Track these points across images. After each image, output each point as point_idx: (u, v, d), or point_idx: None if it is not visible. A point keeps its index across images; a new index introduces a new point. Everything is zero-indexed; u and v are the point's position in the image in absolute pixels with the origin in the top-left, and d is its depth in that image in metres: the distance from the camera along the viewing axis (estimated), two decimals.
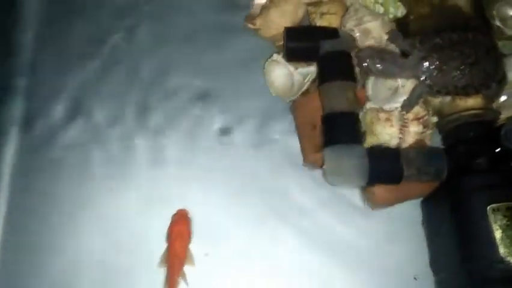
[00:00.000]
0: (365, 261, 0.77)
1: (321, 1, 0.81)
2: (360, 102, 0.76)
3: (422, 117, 0.74)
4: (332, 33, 0.77)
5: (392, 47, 0.76)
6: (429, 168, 0.71)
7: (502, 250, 0.63)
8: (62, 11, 0.90)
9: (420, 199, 0.76)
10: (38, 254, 0.78)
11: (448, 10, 0.75)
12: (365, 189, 0.77)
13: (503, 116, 0.74)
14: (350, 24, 0.77)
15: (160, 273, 0.75)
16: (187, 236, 0.76)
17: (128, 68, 0.87)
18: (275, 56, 0.81)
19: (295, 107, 0.81)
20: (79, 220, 0.79)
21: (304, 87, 0.80)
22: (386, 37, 0.76)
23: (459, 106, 0.73)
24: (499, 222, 0.64)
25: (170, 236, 0.76)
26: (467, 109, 0.72)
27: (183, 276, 0.75)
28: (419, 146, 0.74)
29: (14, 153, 0.83)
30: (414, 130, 0.74)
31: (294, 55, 0.78)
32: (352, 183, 0.74)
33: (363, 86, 0.77)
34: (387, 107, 0.75)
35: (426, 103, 0.75)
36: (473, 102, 0.73)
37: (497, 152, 0.69)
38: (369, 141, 0.75)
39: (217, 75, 0.85)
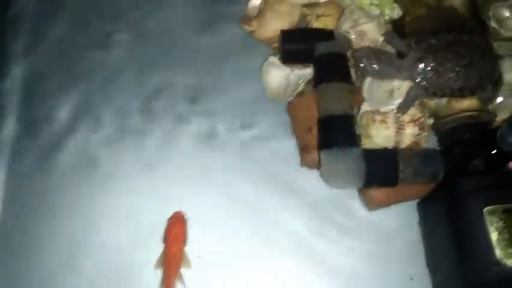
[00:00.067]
0: (360, 262, 0.77)
1: (316, 3, 0.81)
2: (356, 104, 0.76)
3: (418, 119, 0.75)
4: (327, 35, 0.76)
5: (389, 48, 0.76)
6: (425, 170, 0.71)
7: (498, 252, 0.63)
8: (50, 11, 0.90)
9: (417, 200, 0.76)
10: (34, 255, 0.78)
11: (443, 11, 0.75)
12: (362, 191, 0.77)
13: (499, 118, 0.74)
14: (345, 26, 0.77)
15: (157, 275, 0.75)
16: (183, 238, 0.76)
17: (110, 71, 0.86)
18: (271, 58, 0.81)
19: (291, 108, 0.81)
20: (73, 223, 0.79)
21: (300, 89, 0.80)
22: (381, 39, 0.76)
23: (455, 108, 0.73)
24: (495, 225, 0.64)
25: (167, 238, 0.76)
26: (463, 111, 0.72)
27: (180, 278, 0.74)
28: (415, 148, 0.74)
29: None
30: (410, 132, 0.74)
31: (290, 57, 0.78)
32: (349, 185, 0.74)
33: (359, 88, 0.77)
34: (383, 109, 0.75)
35: (422, 105, 0.75)
36: (468, 104, 0.73)
37: (493, 153, 0.69)
38: (365, 143, 0.75)
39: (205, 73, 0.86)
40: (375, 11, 0.79)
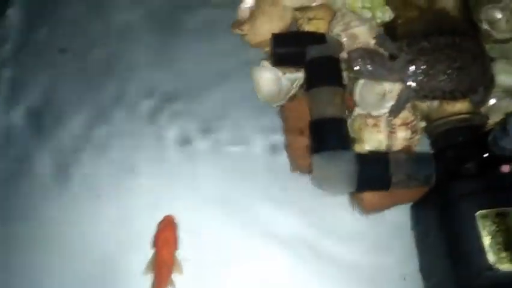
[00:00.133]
0: (354, 264, 0.76)
1: (308, 6, 0.81)
2: (348, 107, 0.76)
3: (410, 122, 0.74)
4: (319, 38, 0.76)
5: (381, 50, 0.75)
6: (418, 175, 0.71)
7: (491, 257, 0.62)
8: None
9: (410, 204, 0.76)
10: (20, 260, 0.77)
11: (435, 14, 0.75)
12: (354, 195, 0.77)
13: (492, 120, 0.74)
14: (337, 29, 0.77)
15: (148, 281, 0.74)
16: (174, 242, 0.75)
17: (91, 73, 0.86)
18: (264, 63, 0.80)
19: (283, 112, 0.81)
20: (61, 228, 0.78)
21: (292, 92, 0.80)
22: (373, 42, 0.76)
23: (447, 111, 0.73)
24: (488, 229, 0.63)
25: (157, 243, 0.75)
26: (455, 114, 0.72)
27: (171, 283, 0.74)
28: (407, 152, 0.74)
29: None
30: (402, 136, 0.74)
31: (281, 60, 0.78)
32: (341, 189, 0.74)
33: (351, 92, 0.77)
34: (375, 112, 0.74)
35: (414, 108, 0.75)
36: (460, 106, 0.73)
37: (486, 157, 0.68)
38: (358, 147, 0.74)
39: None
40: (367, 14, 0.78)
